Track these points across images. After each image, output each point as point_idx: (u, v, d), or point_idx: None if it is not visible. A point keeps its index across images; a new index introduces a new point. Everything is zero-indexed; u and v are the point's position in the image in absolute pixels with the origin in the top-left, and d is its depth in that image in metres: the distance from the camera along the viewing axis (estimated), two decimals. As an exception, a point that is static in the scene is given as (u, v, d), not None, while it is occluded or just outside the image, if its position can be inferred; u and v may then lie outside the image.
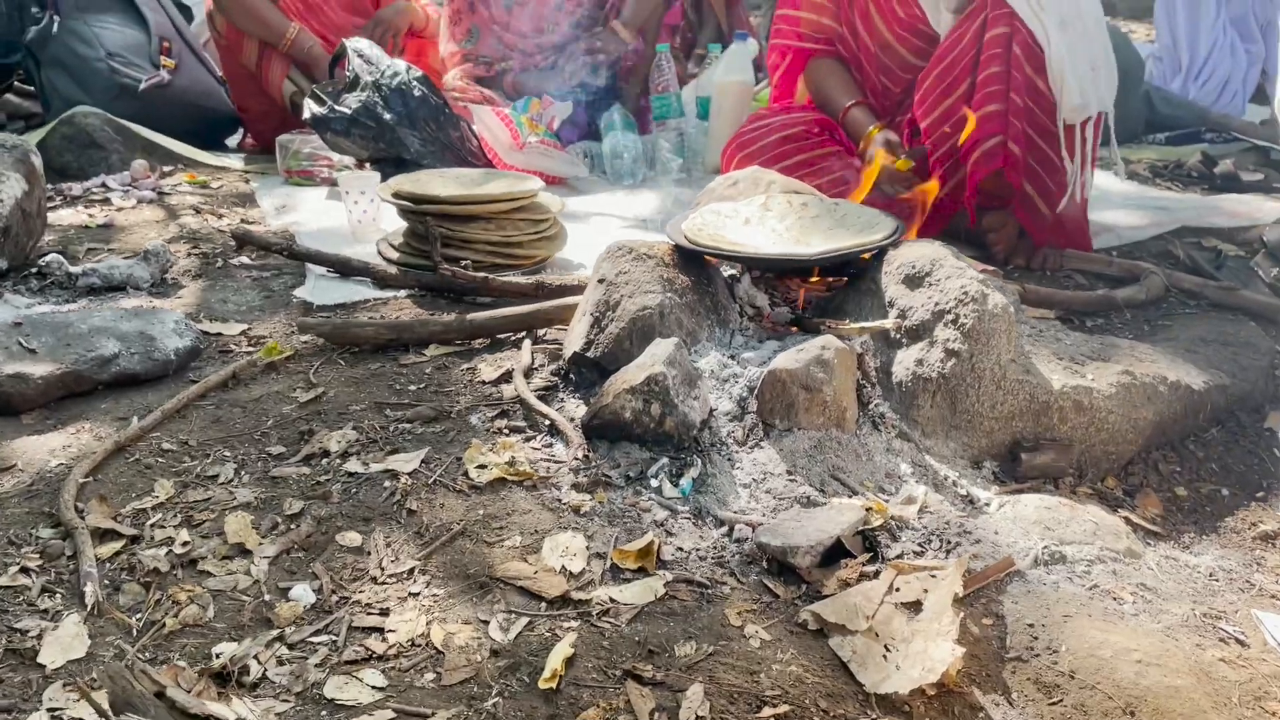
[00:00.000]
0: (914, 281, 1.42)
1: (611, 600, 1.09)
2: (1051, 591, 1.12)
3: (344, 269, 1.98)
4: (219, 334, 1.75)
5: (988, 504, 1.28)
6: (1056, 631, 1.06)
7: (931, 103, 2.12)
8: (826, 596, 1.10)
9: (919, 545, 1.18)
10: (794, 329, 1.51)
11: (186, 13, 4.03)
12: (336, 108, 2.68)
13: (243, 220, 2.51)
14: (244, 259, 2.12)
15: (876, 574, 1.13)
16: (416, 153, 2.69)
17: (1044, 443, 1.34)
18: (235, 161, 3.17)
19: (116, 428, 1.41)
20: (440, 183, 2.05)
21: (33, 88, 3.51)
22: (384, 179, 2.70)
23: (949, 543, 1.18)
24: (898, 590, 1.10)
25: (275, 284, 2.00)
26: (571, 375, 1.51)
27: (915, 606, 1.08)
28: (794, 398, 1.32)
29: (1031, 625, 1.07)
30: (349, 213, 2.31)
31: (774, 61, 2.40)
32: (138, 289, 1.94)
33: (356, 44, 2.82)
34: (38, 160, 2.09)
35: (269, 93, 3.21)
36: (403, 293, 1.91)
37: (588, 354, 1.47)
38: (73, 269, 1.93)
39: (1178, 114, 4.23)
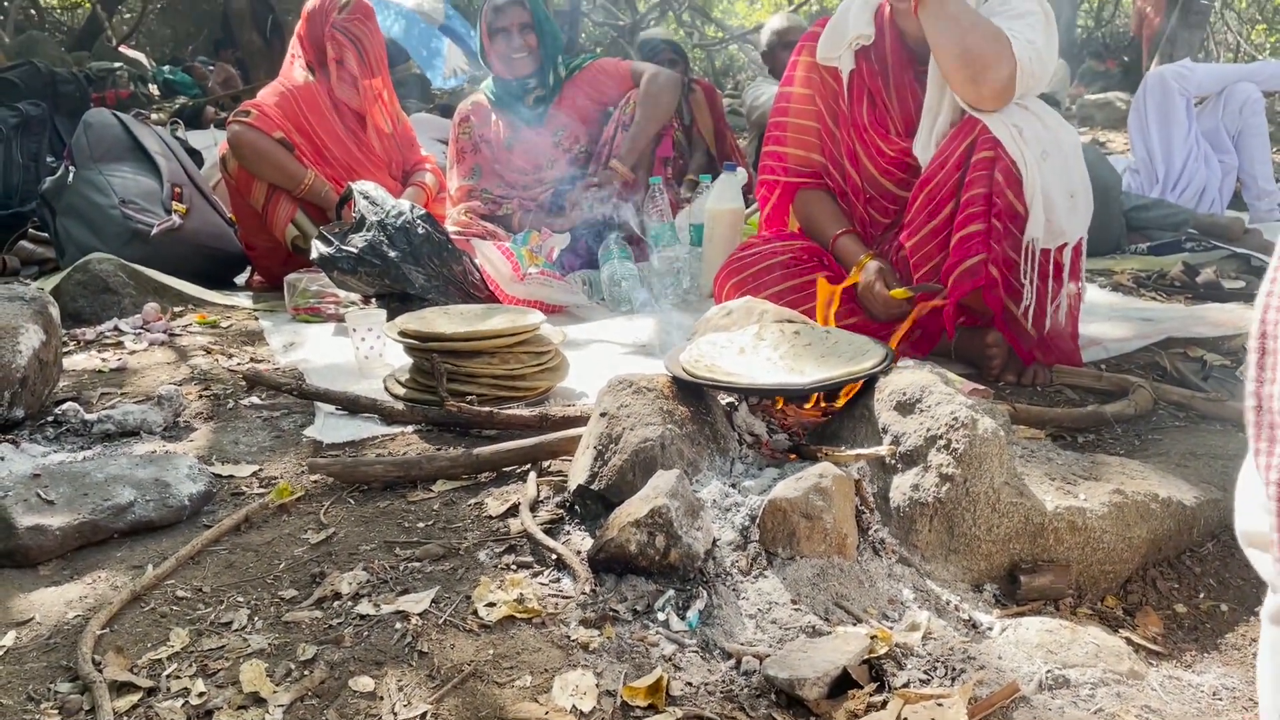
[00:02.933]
0: (905, 408, 1.46)
1: (623, 739, 1.10)
2: (1057, 716, 1.13)
3: (352, 407, 2.03)
4: (230, 476, 1.78)
5: (990, 628, 1.29)
6: (1063, 758, 1.07)
7: (918, 224, 2.21)
8: (835, 728, 1.11)
9: (925, 673, 1.20)
10: (792, 456, 1.55)
11: (196, 157, 4.19)
12: (343, 247, 2.78)
13: (252, 359, 2.57)
14: (254, 399, 2.17)
15: (884, 704, 1.14)
16: (421, 288, 2.78)
17: (1042, 564, 1.37)
18: (243, 300, 3.27)
19: (132, 576, 1.44)
20: (445, 319, 2.12)
21: (47, 234, 3.64)
22: (390, 315, 2.79)
23: (954, 669, 1.20)
24: (906, 720, 1.12)
25: (285, 423, 2.04)
26: (577, 507, 1.55)
27: (924, 736, 1.09)
28: (795, 526, 1.35)
29: (1039, 752, 1.08)
30: (356, 349, 2.38)
31: (763, 195, 2.50)
32: (151, 433, 1.98)
33: (362, 186, 2.93)
34: (55, 310, 2.16)
35: (273, 233, 3.32)
36: (410, 428, 1.96)
37: (592, 486, 1.50)
38: (88, 416, 1.98)
39: (1164, 215, 4.36)
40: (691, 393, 1.59)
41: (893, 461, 1.44)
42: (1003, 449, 1.40)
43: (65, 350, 2.51)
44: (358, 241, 2.78)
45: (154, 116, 4.98)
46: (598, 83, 3.44)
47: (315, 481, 1.73)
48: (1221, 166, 4.71)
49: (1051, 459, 1.56)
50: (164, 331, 2.79)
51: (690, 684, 1.19)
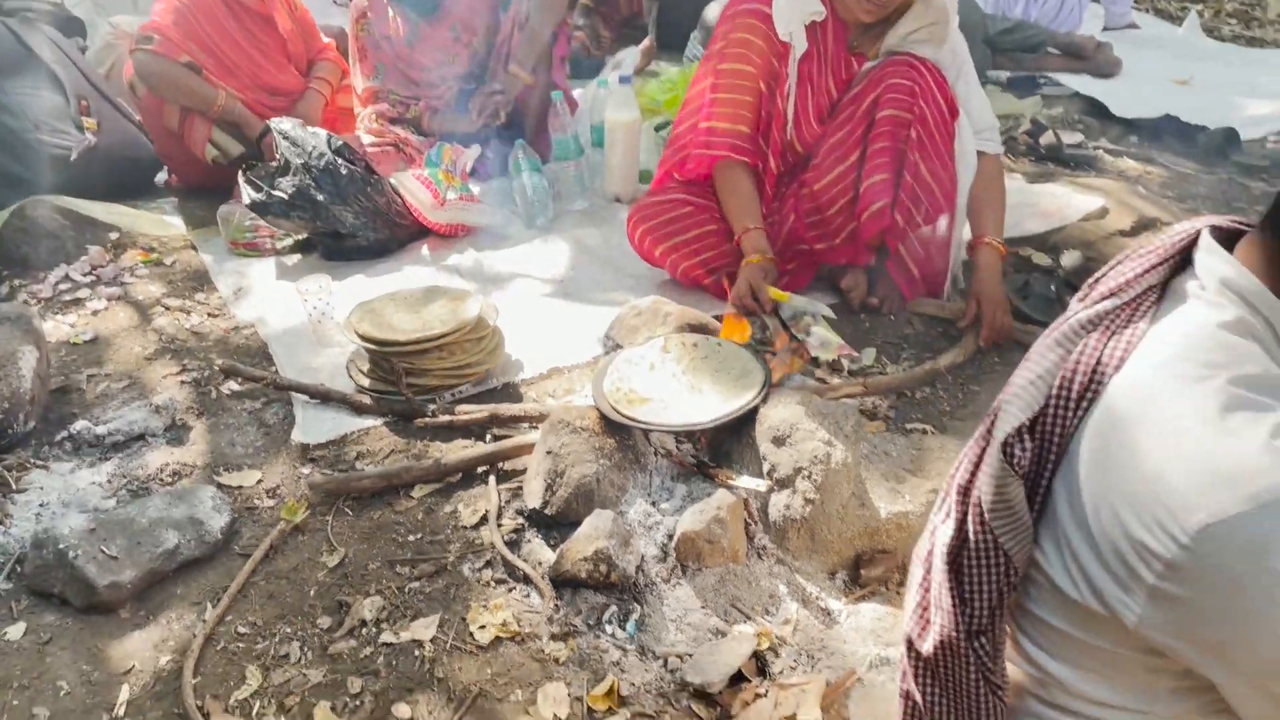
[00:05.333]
0: (779, 441, 1.92)
1: (591, 739, 1.63)
2: (880, 692, 1.69)
3: (325, 398, 2.39)
4: (239, 486, 2.17)
5: (840, 614, 1.83)
6: (882, 726, 1.63)
7: (826, 168, 2.56)
8: (734, 717, 1.65)
9: (793, 661, 1.74)
10: (696, 469, 2.01)
11: (76, 26, 4.12)
12: (273, 193, 2.99)
13: (209, 314, 2.86)
14: (233, 384, 2.51)
15: (766, 693, 1.68)
16: (352, 226, 3.05)
17: (876, 555, 1.89)
18: (175, 221, 3.44)
19: (195, 612, 1.87)
20: (393, 307, 2.44)
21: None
22: (325, 253, 3.08)
23: (813, 658, 1.74)
24: (780, 705, 1.66)
25: (268, 415, 2.40)
26: (536, 519, 2.00)
27: (793, 719, 1.64)
28: (701, 549, 1.83)
29: (866, 723, 1.65)
30: (308, 316, 2.69)
31: (682, 162, 2.68)
32: (155, 437, 2.33)
33: (280, 125, 3.09)
34: (38, 321, 2.41)
35: (192, 151, 3.45)
36: (379, 420, 2.35)
37: (545, 511, 1.95)
38: (98, 430, 2.31)
39: (1025, 37, 4.66)
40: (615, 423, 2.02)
41: (771, 486, 1.92)
42: (849, 474, 1.88)
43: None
44: (286, 186, 3.00)
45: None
46: (488, -28, 3.51)
47: (313, 488, 2.13)
48: (1080, -22, 4.95)
49: (889, 453, 2.05)
50: (115, 280, 3.02)
51: (633, 684, 1.71)
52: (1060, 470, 1.06)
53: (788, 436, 1.92)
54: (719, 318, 2.45)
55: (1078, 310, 1.12)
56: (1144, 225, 3.10)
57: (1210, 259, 1.04)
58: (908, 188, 2.45)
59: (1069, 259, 2.83)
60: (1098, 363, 1.04)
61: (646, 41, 4.60)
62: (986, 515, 1.09)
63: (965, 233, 2.69)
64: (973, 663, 1.14)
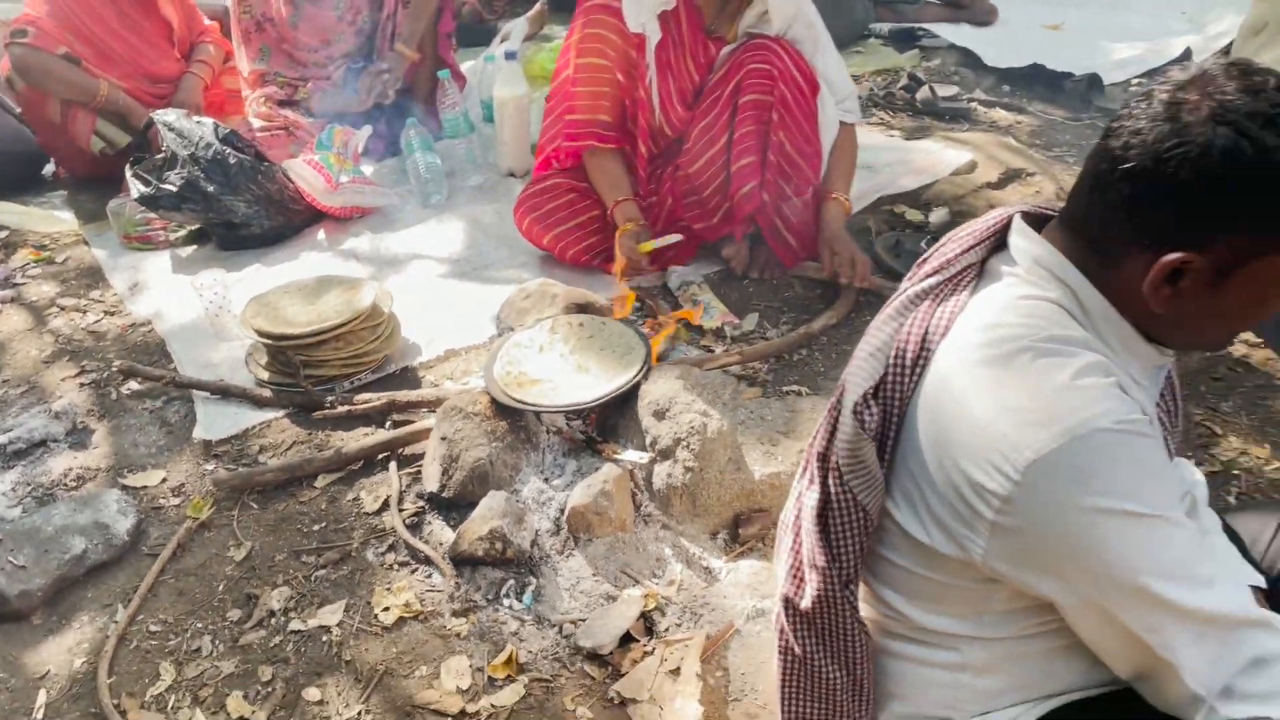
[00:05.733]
0: (660, 415, 2.04)
1: (493, 706, 1.75)
2: (756, 641, 1.84)
3: (226, 393, 2.45)
4: (144, 487, 2.23)
5: (720, 572, 1.97)
6: (757, 674, 1.79)
7: (696, 153, 2.67)
8: (624, 675, 1.79)
9: (678, 619, 1.88)
10: (585, 445, 2.13)
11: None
12: (162, 186, 3.00)
13: (105, 312, 2.88)
14: (133, 384, 2.54)
15: (654, 650, 1.82)
16: (245, 215, 3.08)
17: (753, 515, 2.04)
18: (66, 216, 3.41)
19: (108, 615, 1.94)
20: (288, 300, 2.50)
21: None
22: (220, 243, 3.11)
23: (696, 615, 1.88)
24: (665, 661, 1.80)
25: (170, 414, 2.45)
26: (435, 502, 2.10)
27: (677, 672, 1.78)
28: (590, 521, 1.96)
29: (744, 673, 1.80)
30: (205, 310, 2.72)
31: (554, 153, 2.78)
32: (57, 442, 2.36)
33: (164, 116, 3.09)
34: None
35: (76, 144, 3.41)
36: (280, 412, 2.41)
37: (443, 494, 2.05)
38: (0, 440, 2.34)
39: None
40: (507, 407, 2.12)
41: (654, 457, 2.04)
42: (725, 442, 2.01)
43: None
44: (174, 180, 3.01)
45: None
46: (369, -53, 3.50)
47: (218, 484, 2.20)
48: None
49: (765, 417, 2.19)
50: (7, 281, 3.01)
51: (531, 652, 1.84)
52: (904, 428, 1.21)
53: (667, 409, 2.04)
54: (611, 301, 2.55)
55: (908, 286, 1.26)
56: (1011, 177, 3.27)
57: (1022, 240, 1.19)
58: (774, 167, 2.58)
59: (937, 216, 2.99)
60: (926, 332, 1.19)
61: (538, 6, 4.61)
62: (845, 475, 1.24)
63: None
64: (847, 609, 1.28)
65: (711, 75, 2.62)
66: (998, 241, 1.23)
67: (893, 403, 1.20)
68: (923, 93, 3.88)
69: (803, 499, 1.32)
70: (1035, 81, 4.07)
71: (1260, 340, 2.56)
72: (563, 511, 1.99)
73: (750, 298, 2.78)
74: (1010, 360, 1.10)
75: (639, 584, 1.93)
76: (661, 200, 2.75)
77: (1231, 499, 2.14)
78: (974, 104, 3.93)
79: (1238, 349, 2.55)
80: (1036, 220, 1.22)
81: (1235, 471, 2.20)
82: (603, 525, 1.96)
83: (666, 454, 2.02)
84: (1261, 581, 1.30)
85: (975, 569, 1.15)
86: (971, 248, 1.23)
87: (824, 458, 1.28)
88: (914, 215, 3.12)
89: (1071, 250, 1.15)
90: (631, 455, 2.04)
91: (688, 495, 2.01)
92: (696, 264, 2.87)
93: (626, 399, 2.13)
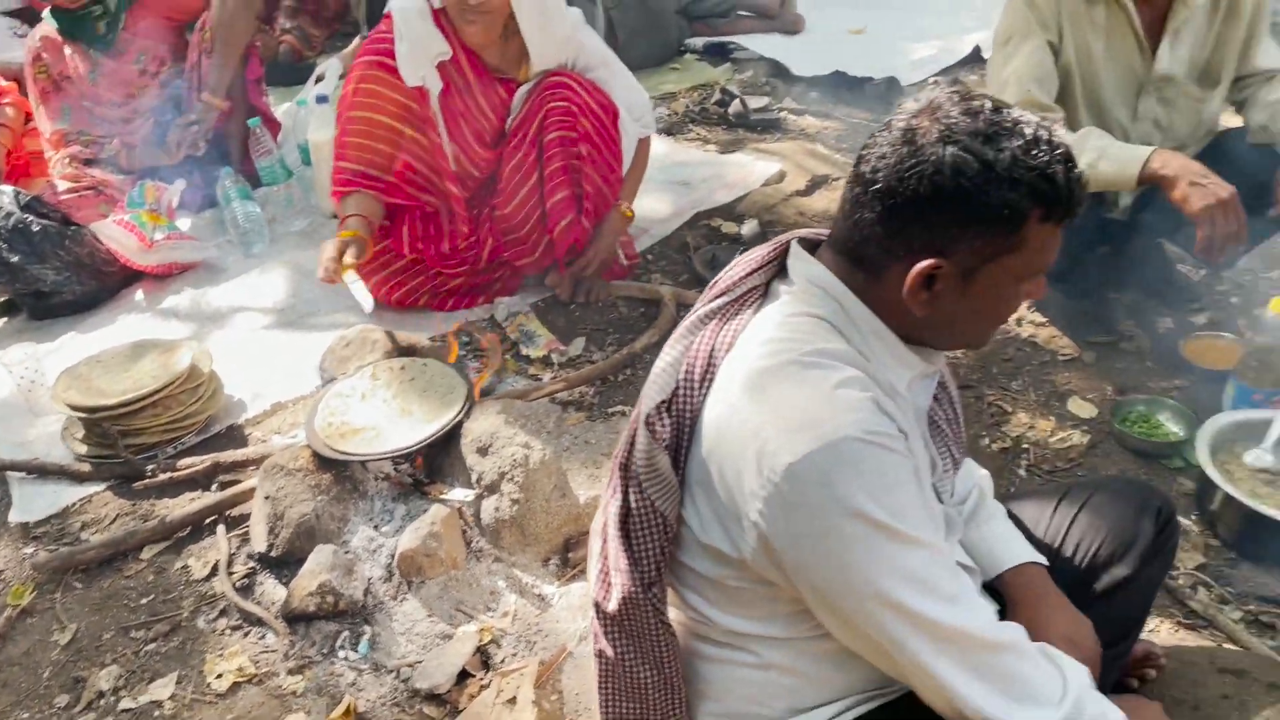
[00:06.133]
0: (483, 451, 2.10)
1: (333, 759, 1.77)
2: (589, 661, 1.90)
3: (42, 472, 2.38)
4: (-41, 578, 2.16)
5: (553, 597, 2.04)
6: (590, 692, 1.85)
7: (510, 192, 2.72)
8: (462, 711, 1.83)
9: (514, 649, 1.93)
10: (414, 488, 2.16)
11: None
12: (-38, 259, 2.89)
13: (-92, 397, 2.75)
14: (-58, 471, 2.45)
15: (490, 683, 1.87)
16: (54, 283, 3.00)
17: (583, 538, 2.11)
18: None
19: (-75, 717, 1.88)
20: (100, 370, 2.45)
21: None
22: (32, 313, 3.01)
23: (531, 643, 1.94)
24: (501, 692, 1.85)
25: (-17, 498, 2.38)
26: (266, 561, 2.10)
27: (513, 701, 1.84)
28: (420, 563, 1.99)
29: (579, 693, 1.86)
30: (17, 385, 2.64)
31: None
32: None
33: (-44, 189, 2.97)
34: None
35: None
36: (101, 486, 2.36)
37: (271, 554, 2.06)
38: None
39: (717, 2, 4.95)
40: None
41: (480, 492, 2.09)
42: (550, 471, 2.07)
43: None
44: (-25, 252, 2.89)
45: None
46: (164, -1, 3.44)
47: (37, 568, 2.14)
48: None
49: (589, 441, 2.26)
50: None
51: (369, 700, 1.86)
52: (693, 439, 1.29)
53: (490, 445, 2.09)
54: (436, 339, 2.59)
55: (699, 307, 1.35)
56: (818, 184, 3.44)
57: (799, 263, 1.29)
58: (588, 197, 2.68)
59: (748, 228, 3.13)
60: (713, 349, 1.28)
61: (353, 43, 4.59)
62: (643, 484, 1.31)
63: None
64: (651, 610, 1.35)
65: (513, 116, 2.69)
66: (780, 265, 1.33)
67: (684, 415, 1.29)
68: (735, 106, 4.04)
69: (608, 507, 1.40)
70: (840, 87, 4.28)
71: (1046, 319, 2.78)
72: (393, 558, 2.02)
73: (577, 323, 2.86)
74: (778, 372, 1.20)
75: (474, 619, 1.98)
76: (482, 241, 2.80)
77: (1021, 471, 2.33)
78: (784, 113, 4.11)
79: (1025, 330, 2.76)
80: (814, 245, 1.33)
81: (1024, 445, 2.39)
82: (434, 566, 2.00)
83: (492, 489, 2.07)
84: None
85: (754, 570, 1.25)
86: (755, 270, 1.33)
87: (625, 467, 1.35)
88: (729, 228, 3.26)
89: (840, 269, 1.26)
90: (458, 494, 2.09)
91: (516, 526, 2.07)
92: (523, 293, 2.93)
93: (451, 437, 2.17)
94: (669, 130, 3.99)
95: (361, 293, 2.45)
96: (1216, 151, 2.55)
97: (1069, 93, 2.49)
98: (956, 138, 1.14)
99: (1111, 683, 1.53)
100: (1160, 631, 1.91)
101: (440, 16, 2.55)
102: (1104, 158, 2.27)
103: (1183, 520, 2.15)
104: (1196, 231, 2.17)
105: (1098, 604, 1.49)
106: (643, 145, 2.84)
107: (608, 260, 2.88)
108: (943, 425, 1.40)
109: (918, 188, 1.14)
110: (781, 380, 1.19)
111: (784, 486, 1.15)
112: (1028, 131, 1.14)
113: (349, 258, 2.45)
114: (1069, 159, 1.16)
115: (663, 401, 1.29)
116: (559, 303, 2.90)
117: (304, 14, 5.20)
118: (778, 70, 4.49)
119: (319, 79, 3.85)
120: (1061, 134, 1.19)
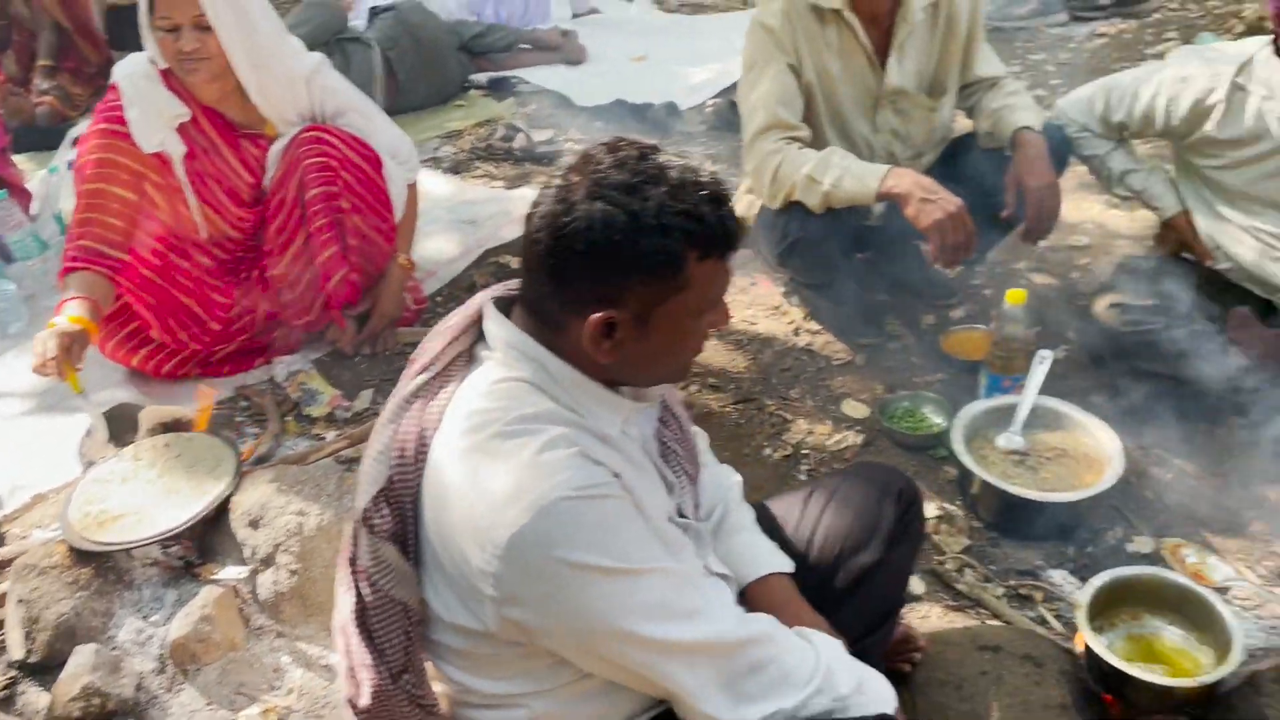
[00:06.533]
0: (255, 524, 2.02)
1: None
2: None
3: None
4: None
5: (342, 665, 1.98)
6: (386, 760, 1.81)
7: (277, 254, 2.64)
8: (248, 800, 1.76)
9: (301, 725, 1.87)
10: (184, 571, 2.07)
11: None
12: None
13: None
14: None
15: (276, 765, 1.80)
16: None
17: (371, 600, 2.06)
18: None
19: None
20: None
21: None
22: None
23: (319, 717, 1.88)
24: (291, 773, 1.79)
25: None
26: (27, 668, 1.96)
27: (302, 781, 1.78)
28: (194, 650, 1.90)
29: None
30: None
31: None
32: None
33: None
34: None
35: None
36: None
37: (29, 660, 1.92)
38: None
39: (498, 38, 4.95)
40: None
41: (256, 568, 2.02)
42: (329, 536, 2.02)
43: None
44: None
45: None
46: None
47: None
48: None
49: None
50: None
51: (148, 803, 1.77)
52: (419, 523, 1.27)
53: (261, 517, 2.02)
54: (206, 410, 2.48)
55: (402, 387, 1.33)
56: (601, 212, 3.48)
57: (493, 326, 1.29)
58: (356, 250, 2.62)
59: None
60: (421, 429, 1.27)
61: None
62: (374, 577, 1.29)
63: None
64: (405, 699, 1.33)
65: (269, 174, 2.61)
66: (480, 328, 1.33)
67: (405, 501, 1.27)
68: (520, 140, 4.06)
69: (341, 603, 1.36)
70: (623, 114, 4.36)
71: (820, 327, 2.90)
72: (165, 649, 1.93)
73: (363, 375, 2.79)
74: (482, 447, 1.20)
75: (257, 701, 1.91)
76: (254, 305, 2.71)
77: (802, 476, 2.42)
78: (570, 144, 4.15)
79: (802, 339, 2.87)
80: (511, 301, 1.33)
81: (804, 451, 2.48)
82: (209, 650, 1.92)
83: (267, 562, 2.00)
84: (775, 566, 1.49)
85: (503, 637, 1.25)
86: (452, 341, 1.32)
87: (353, 562, 1.33)
88: (518, 265, 3.26)
89: (533, 328, 1.27)
90: (231, 572, 2.01)
91: (297, 598, 2.00)
92: (305, 349, 2.85)
93: (221, 514, 2.09)
94: (455, 169, 3.97)
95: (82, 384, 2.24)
96: (952, 157, 2.74)
97: (814, 111, 2.61)
98: (604, 192, 1.17)
99: (876, 669, 1.60)
100: (931, 617, 2.02)
101: (169, 77, 2.45)
102: (846, 175, 2.39)
103: (949, 507, 2.28)
104: (930, 243, 2.32)
105: (849, 592, 1.56)
106: (412, 190, 2.81)
107: (396, 314, 2.83)
108: (673, 446, 1.44)
109: (573, 245, 1.17)
110: (486, 456, 1.19)
111: (508, 561, 1.15)
112: (673, 176, 1.19)
113: (74, 358, 2.20)
114: (717, 197, 1.21)
115: (379, 492, 1.27)
116: (344, 356, 2.83)
117: (63, 72, 4.92)
118: (562, 101, 4.53)
119: (75, 142, 3.65)
120: (709, 172, 1.23)
